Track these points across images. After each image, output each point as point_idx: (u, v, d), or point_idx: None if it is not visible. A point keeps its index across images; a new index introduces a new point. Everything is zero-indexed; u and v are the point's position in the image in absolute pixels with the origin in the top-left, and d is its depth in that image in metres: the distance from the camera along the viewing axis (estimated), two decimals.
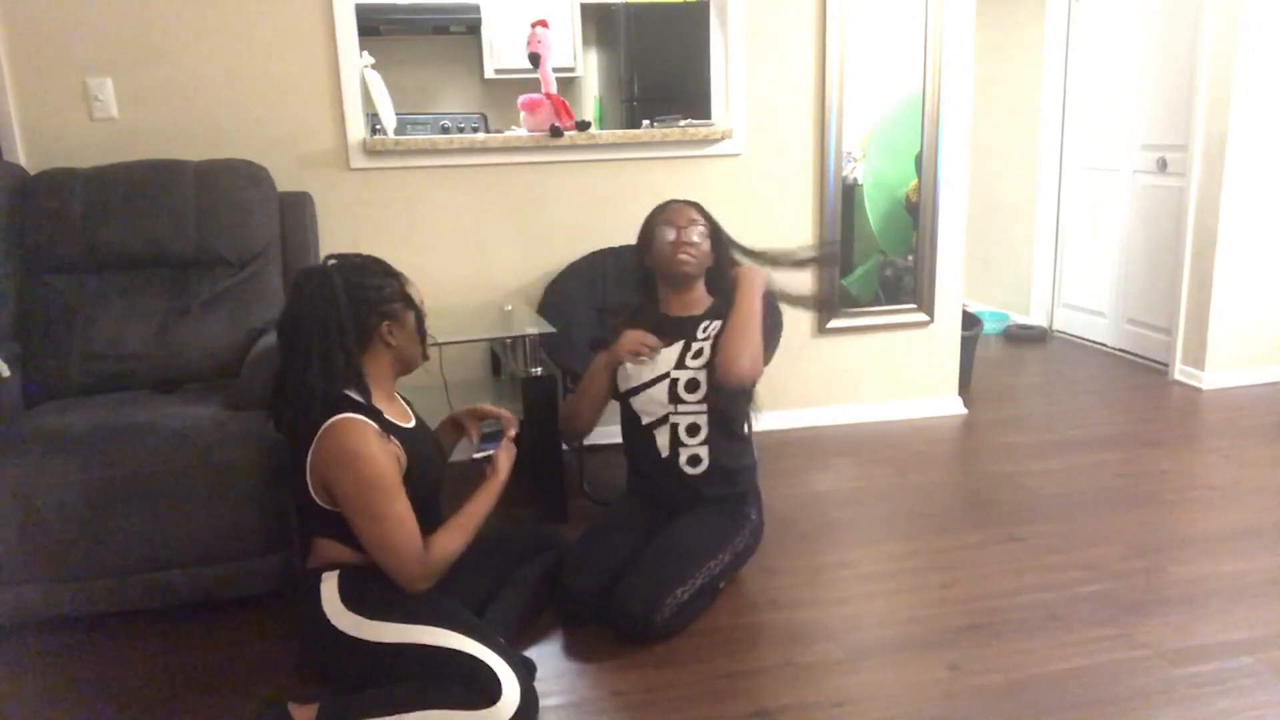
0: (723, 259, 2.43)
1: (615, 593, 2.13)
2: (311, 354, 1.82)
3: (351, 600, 1.82)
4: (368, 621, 1.80)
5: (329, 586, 1.84)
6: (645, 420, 2.36)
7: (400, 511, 1.81)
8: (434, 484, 2.05)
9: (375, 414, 1.87)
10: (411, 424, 2.01)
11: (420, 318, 1.96)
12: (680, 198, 2.48)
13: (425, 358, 2.03)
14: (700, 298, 2.43)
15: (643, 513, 2.38)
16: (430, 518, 1.94)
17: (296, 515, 2.01)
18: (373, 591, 1.84)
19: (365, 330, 1.88)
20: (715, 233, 2.42)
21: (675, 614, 2.12)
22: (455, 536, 1.91)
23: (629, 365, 2.36)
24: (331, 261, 1.91)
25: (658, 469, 2.36)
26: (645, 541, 2.27)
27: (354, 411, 1.83)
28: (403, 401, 2.08)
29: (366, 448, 1.79)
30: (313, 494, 1.85)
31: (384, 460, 1.81)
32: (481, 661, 1.76)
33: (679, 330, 2.37)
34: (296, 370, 1.84)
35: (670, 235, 2.36)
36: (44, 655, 2.14)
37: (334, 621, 1.81)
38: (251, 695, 1.95)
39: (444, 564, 1.87)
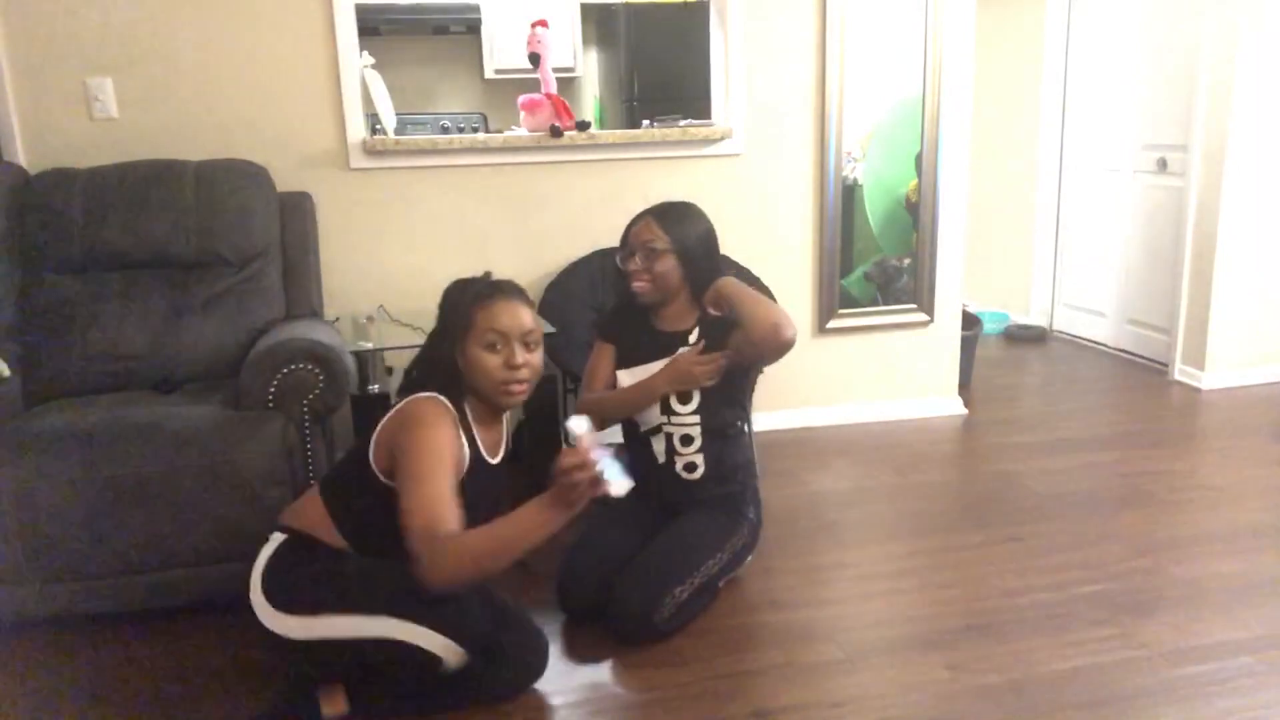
0: (702, 273, 2.29)
1: (614, 593, 2.13)
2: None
3: (272, 585, 1.78)
4: (280, 614, 1.76)
5: (261, 559, 1.81)
6: (642, 428, 2.36)
7: (441, 486, 1.71)
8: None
9: (465, 427, 1.84)
10: (497, 461, 1.94)
11: (462, 339, 1.83)
12: (664, 203, 2.35)
13: (501, 397, 1.86)
14: (682, 312, 2.34)
15: (641, 512, 2.38)
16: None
17: (329, 474, 1.96)
18: (294, 578, 1.78)
19: (449, 347, 1.85)
20: (683, 248, 2.27)
21: (674, 614, 2.12)
22: (484, 543, 1.67)
23: (626, 383, 2.34)
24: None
25: (655, 472, 2.36)
26: (644, 541, 2.27)
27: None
28: (504, 433, 2.00)
29: (438, 421, 1.77)
30: (370, 457, 1.79)
31: (447, 440, 1.76)
32: (413, 646, 1.73)
33: (668, 346, 2.33)
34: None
35: (621, 262, 2.30)
36: (44, 655, 2.14)
37: (258, 613, 1.78)
38: (252, 696, 1.95)
39: (455, 557, 1.64)
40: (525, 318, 1.85)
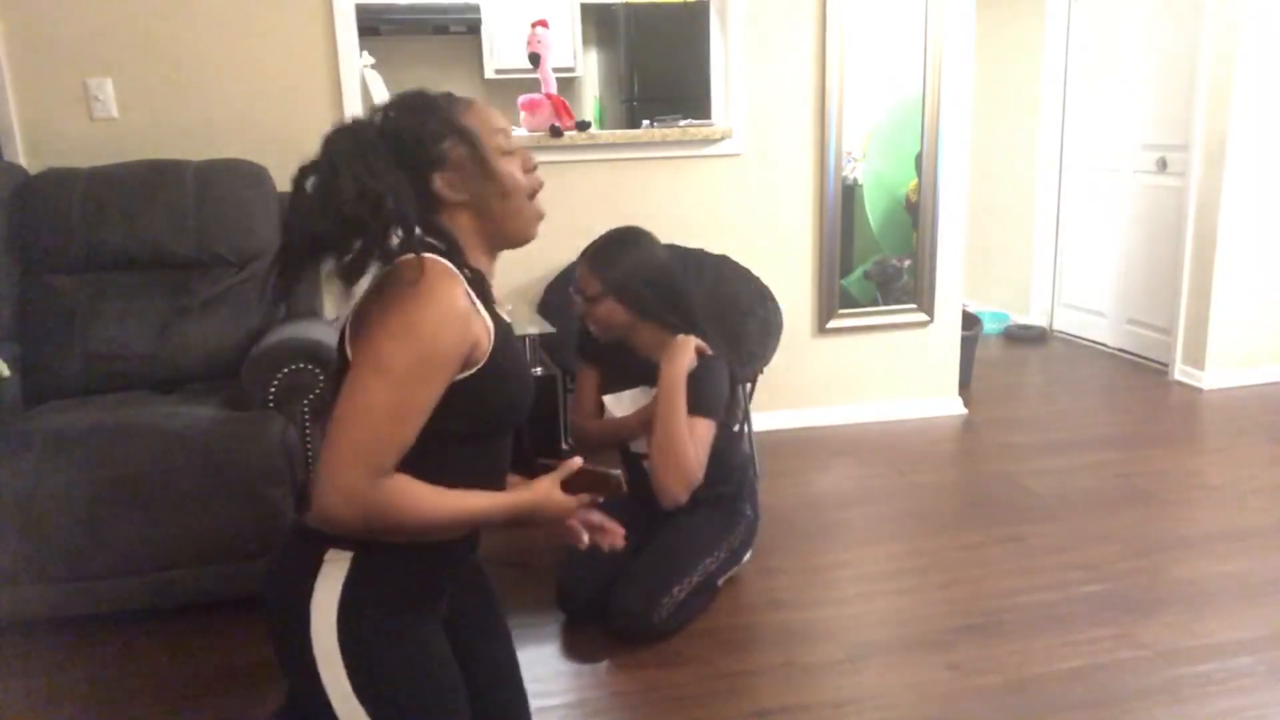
0: (655, 304, 2.20)
1: (613, 593, 2.13)
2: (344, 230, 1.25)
3: (351, 641, 1.27)
4: (346, 685, 1.27)
5: (327, 590, 1.27)
6: (631, 449, 2.35)
7: (410, 397, 1.22)
8: (512, 412, 1.41)
9: (475, 277, 1.32)
10: (508, 319, 1.45)
11: (477, 146, 1.33)
12: (601, 241, 2.26)
13: (533, 221, 1.42)
14: (655, 342, 2.24)
15: (639, 512, 2.38)
16: (485, 471, 1.39)
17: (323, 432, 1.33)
18: (379, 659, 1.30)
19: (423, 189, 1.32)
20: (621, 290, 2.17)
21: (673, 613, 2.12)
22: (435, 505, 1.27)
23: (613, 409, 2.32)
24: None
25: (649, 483, 2.35)
26: (642, 541, 2.26)
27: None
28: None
29: (439, 288, 1.23)
30: (348, 349, 1.28)
31: (450, 321, 1.23)
32: None
33: (648, 374, 2.25)
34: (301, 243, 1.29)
35: (577, 302, 2.25)
36: (44, 655, 2.14)
37: (322, 674, 1.28)
38: (251, 696, 1.95)
39: (390, 511, 1.22)
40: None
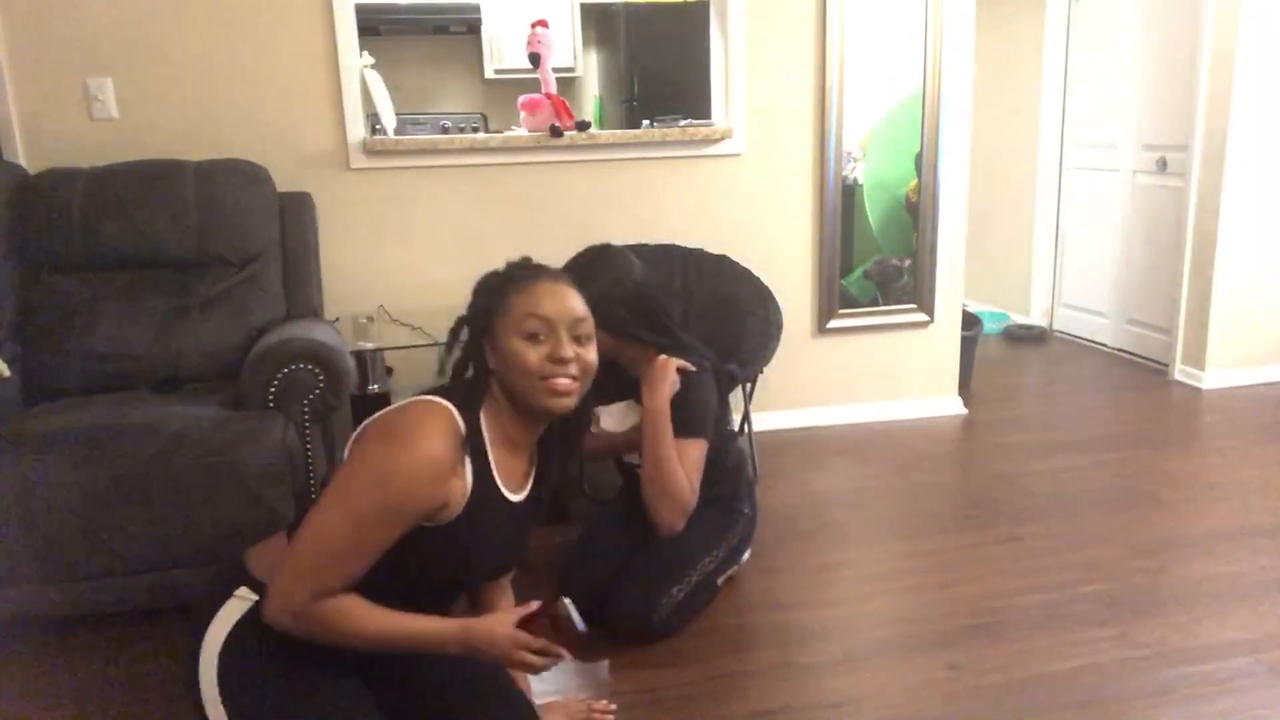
0: (629, 322, 2.14)
1: (612, 594, 2.13)
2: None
3: (230, 672, 1.38)
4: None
5: (223, 622, 1.39)
6: (625, 459, 2.35)
7: (366, 538, 1.32)
8: (461, 573, 1.53)
9: (477, 448, 1.43)
10: (519, 498, 1.53)
11: (514, 344, 1.44)
12: (571, 266, 2.12)
13: (544, 397, 1.44)
14: (637, 361, 2.20)
15: (639, 512, 2.38)
16: (423, 603, 1.42)
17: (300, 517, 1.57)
18: (256, 681, 1.39)
19: (475, 339, 1.50)
20: (603, 320, 1.97)
21: (673, 613, 2.12)
22: (368, 624, 1.34)
23: (604, 422, 2.31)
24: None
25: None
26: (642, 541, 2.26)
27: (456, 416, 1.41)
28: (534, 464, 1.59)
29: (424, 442, 1.33)
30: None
31: (424, 479, 1.33)
32: None
33: (634, 388, 2.22)
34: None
35: None
36: (44, 655, 2.14)
37: (202, 693, 1.39)
38: None
39: (326, 626, 1.33)
40: (574, 303, 1.49)
